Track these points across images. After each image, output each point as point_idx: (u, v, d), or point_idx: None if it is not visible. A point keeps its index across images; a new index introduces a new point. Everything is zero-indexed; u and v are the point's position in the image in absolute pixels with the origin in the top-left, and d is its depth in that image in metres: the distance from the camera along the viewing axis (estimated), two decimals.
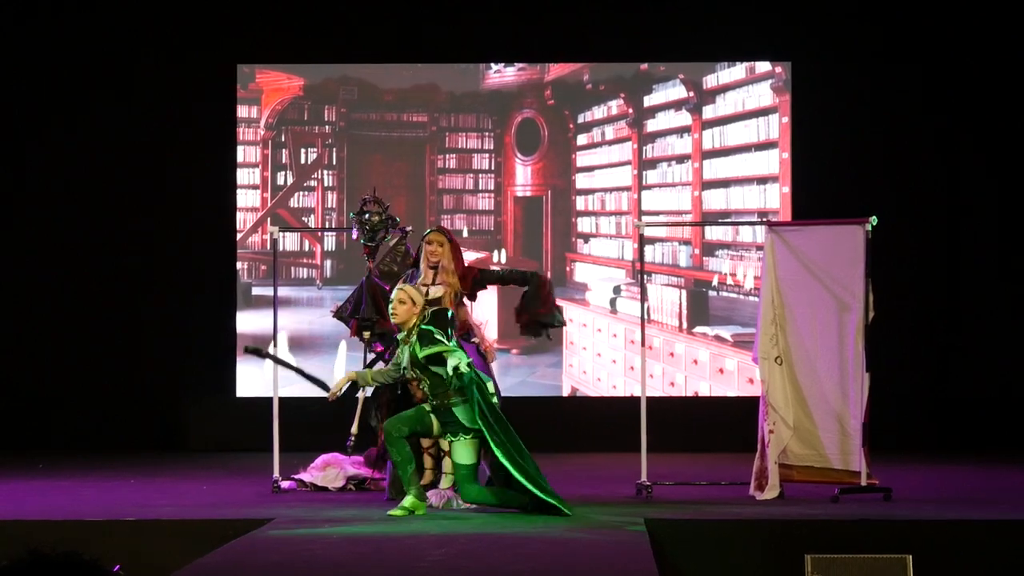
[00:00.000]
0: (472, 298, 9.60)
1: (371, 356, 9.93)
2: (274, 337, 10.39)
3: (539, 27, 13.39)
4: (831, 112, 13.21)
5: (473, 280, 9.54)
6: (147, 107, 13.30)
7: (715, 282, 13.27)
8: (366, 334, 9.80)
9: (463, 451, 8.82)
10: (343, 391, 9.23)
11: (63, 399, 13.22)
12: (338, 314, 10.10)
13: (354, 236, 10.20)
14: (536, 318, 9.56)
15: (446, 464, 9.27)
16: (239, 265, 13.40)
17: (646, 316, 10.22)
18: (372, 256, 9.94)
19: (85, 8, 13.39)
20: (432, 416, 8.87)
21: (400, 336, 8.94)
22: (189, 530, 8.21)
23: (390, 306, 8.94)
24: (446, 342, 8.75)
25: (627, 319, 13.18)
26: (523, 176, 13.57)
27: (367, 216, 9.88)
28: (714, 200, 13.36)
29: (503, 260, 13.38)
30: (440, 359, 8.70)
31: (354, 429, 9.79)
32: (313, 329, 13.33)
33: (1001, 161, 13.26)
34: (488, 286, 9.77)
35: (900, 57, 13.25)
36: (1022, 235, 13.24)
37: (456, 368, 8.57)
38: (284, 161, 13.54)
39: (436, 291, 9.37)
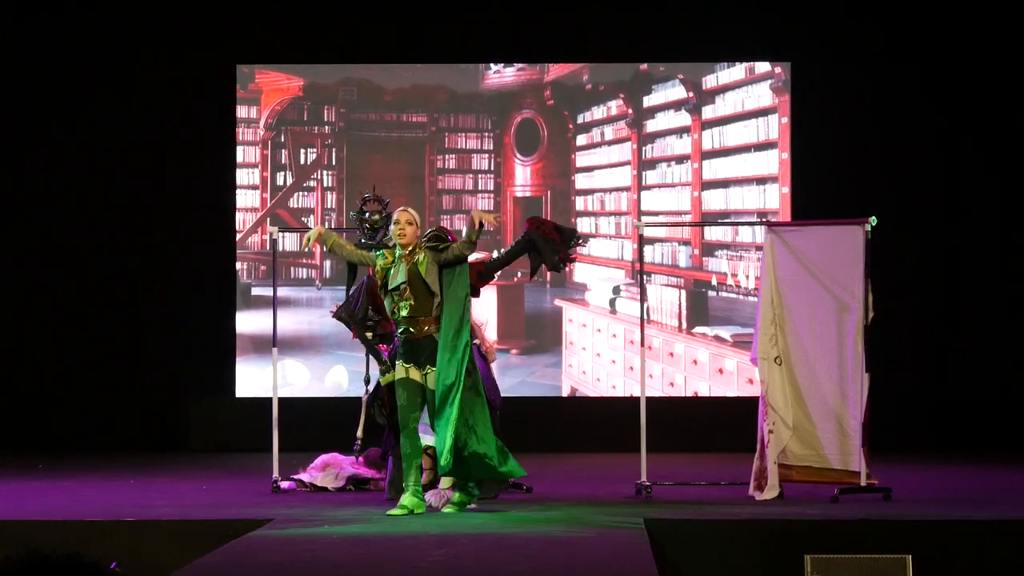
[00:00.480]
0: (476, 294, 9.61)
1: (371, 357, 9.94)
2: (273, 338, 10.38)
3: (539, 27, 13.39)
4: (831, 112, 13.21)
5: (478, 274, 9.55)
6: (147, 107, 13.30)
7: (714, 282, 13.27)
8: (368, 335, 9.79)
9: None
10: (310, 241, 9.22)
11: (63, 399, 13.22)
12: (338, 314, 10.10)
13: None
14: (559, 252, 9.52)
15: None
16: (239, 265, 13.40)
17: (645, 316, 10.23)
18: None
19: (85, 8, 13.39)
20: (409, 380, 8.89)
21: (399, 254, 8.94)
22: (189, 530, 8.21)
23: (395, 227, 8.94)
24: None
25: (627, 319, 13.18)
26: (523, 176, 13.57)
27: (367, 215, 9.88)
28: (714, 200, 13.36)
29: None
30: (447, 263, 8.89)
31: (359, 432, 9.79)
32: (313, 330, 13.34)
33: (1001, 161, 13.27)
34: (495, 275, 9.75)
35: (900, 57, 13.26)
36: (1022, 235, 13.24)
37: (481, 224, 8.80)
38: (284, 161, 13.55)
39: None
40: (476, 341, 9.56)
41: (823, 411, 9.48)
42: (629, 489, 9.77)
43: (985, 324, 13.24)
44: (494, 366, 9.79)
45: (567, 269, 9.38)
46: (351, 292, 10.05)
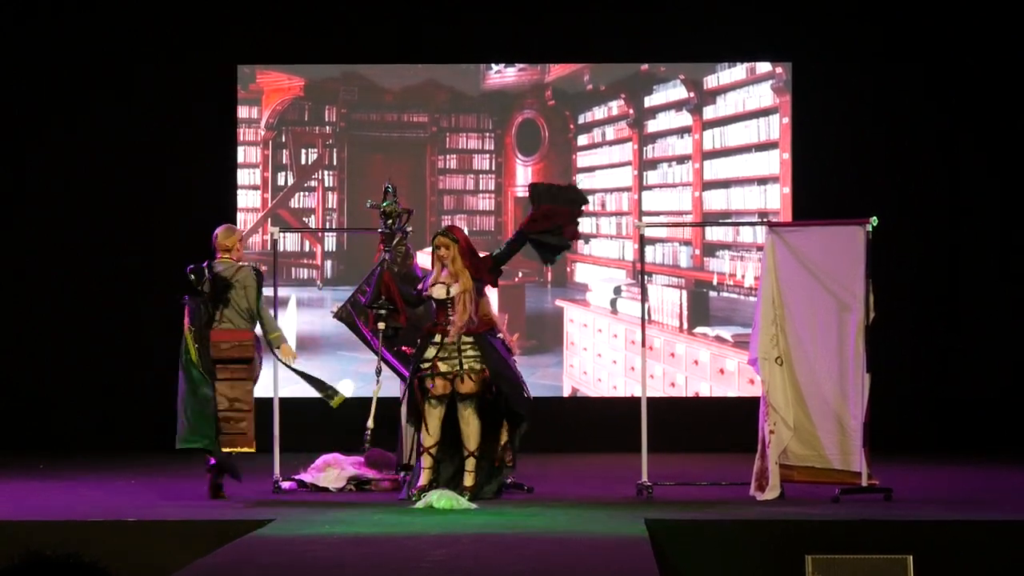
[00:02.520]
0: (494, 284, 9.66)
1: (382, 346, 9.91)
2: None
3: (539, 28, 13.38)
4: (832, 112, 13.21)
5: (489, 269, 9.58)
6: (147, 107, 13.29)
7: (715, 282, 13.25)
8: (381, 325, 9.74)
9: None
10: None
11: (63, 399, 13.21)
12: (338, 315, 10.11)
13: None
14: (563, 233, 9.62)
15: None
16: None
17: (646, 317, 10.22)
18: (388, 244, 9.84)
19: (85, 8, 13.38)
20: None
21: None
22: (189, 530, 8.21)
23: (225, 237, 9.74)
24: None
25: (628, 320, 13.18)
26: (524, 177, 13.56)
27: (386, 204, 9.85)
28: (715, 201, 13.35)
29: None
30: None
31: (370, 423, 9.74)
32: (314, 330, 13.32)
33: (1002, 161, 13.26)
34: (503, 267, 9.75)
35: (900, 57, 13.25)
36: (1022, 235, 13.23)
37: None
38: (285, 161, 13.54)
39: (455, 290, 9.44)
40: (500, 335, 9.61)
41: (824, 411, 9.48)
42: (630, 489, 9.76)
43: (986, 324, 13.23)
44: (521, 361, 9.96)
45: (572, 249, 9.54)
46: (360, 284, 10.06)
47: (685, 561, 8.06)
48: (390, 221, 9.76)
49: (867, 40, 13.27)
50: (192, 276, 9.80)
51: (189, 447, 9.68)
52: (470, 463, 9.45)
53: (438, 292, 9.49)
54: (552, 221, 9.56)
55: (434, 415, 9.46)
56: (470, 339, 9.42)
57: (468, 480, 9.42)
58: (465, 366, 9.40)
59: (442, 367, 9.42)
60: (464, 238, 9.61)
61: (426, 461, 9.48)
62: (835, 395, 9.46)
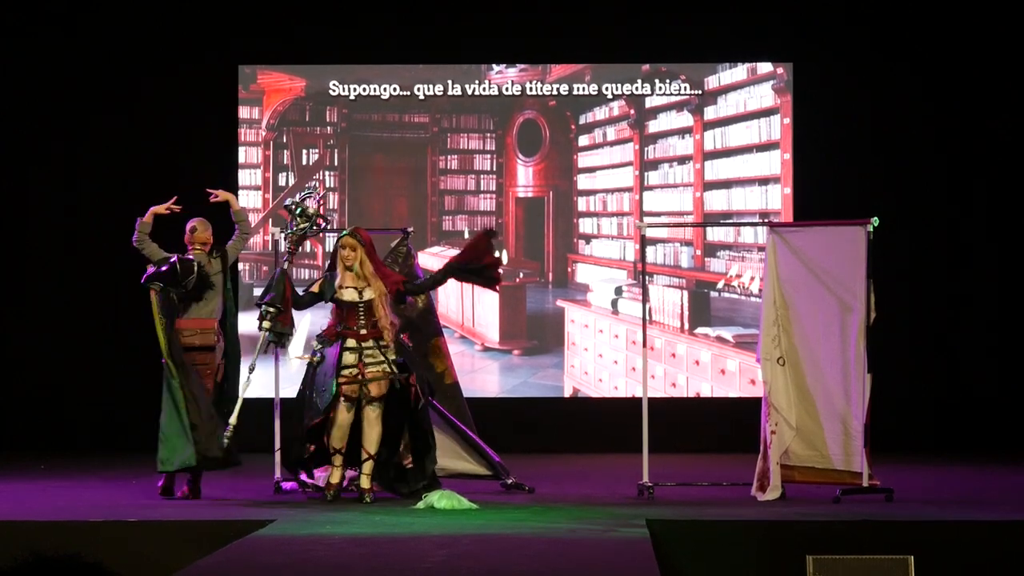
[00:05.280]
0: (402, 301, 9.74)
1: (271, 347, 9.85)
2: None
3: (540, 28, 13.38)
4: (832, 113, 13.20)
5: (396, 292, 9.60)
6: (148, 107, 13.28)
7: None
8: (267, 324, 9.71)
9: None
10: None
11: (63, 399, 13.21)
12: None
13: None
14: (484, 271, 9.67)
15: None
16: (240, 266, 13.38)
17: (647, 317, 10.22)
18: (297, 245, 9.94)
19: (86, 9, 13.38)
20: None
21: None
22: (190, 531, 8.21)
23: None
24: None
25: (629, 320, 13.17)
26: (524, 177, 13.56)
27: (307, 207, 9.88)
28: (715, 201, 13.35)
29: (504, 261, 13.38)
30: None
31: (233, 419, 9.63)
32: (314, 330, 13.28)
33: (1002, 161, 13.25)
34: (414, 298, 9.91)
35: (900, 57, 13.25)
36: (1022, 235, 13.23)
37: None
38: (286, 162, 13.54)
39: (369, 294, 9.52)
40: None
41: (828, 411, 9.48)
42: (631, 490, 9.76)
43: (986, 324, 13.23)
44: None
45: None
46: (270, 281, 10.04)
47: (686, 561, 8.06)
48: (300, 223, 9.80)
49: (867, 40, 13.26)
50: (178, 269, 9.67)
51: (169, 470, 9.63)
52: (368, 466, 9.45)
53: (349, 295, 9.52)
54: (476, 253, 9.64)
55: (348, 418, 9.46)
56: (386, 342, 9.45)
57: (366, 483, 9.42)
58: (389, 369, 9.42)
59: (372, 370, 9.42)
60: (370, 241, 9.63)
61: (338, 460, 9.49)
62: (838, 395, 9.47)
